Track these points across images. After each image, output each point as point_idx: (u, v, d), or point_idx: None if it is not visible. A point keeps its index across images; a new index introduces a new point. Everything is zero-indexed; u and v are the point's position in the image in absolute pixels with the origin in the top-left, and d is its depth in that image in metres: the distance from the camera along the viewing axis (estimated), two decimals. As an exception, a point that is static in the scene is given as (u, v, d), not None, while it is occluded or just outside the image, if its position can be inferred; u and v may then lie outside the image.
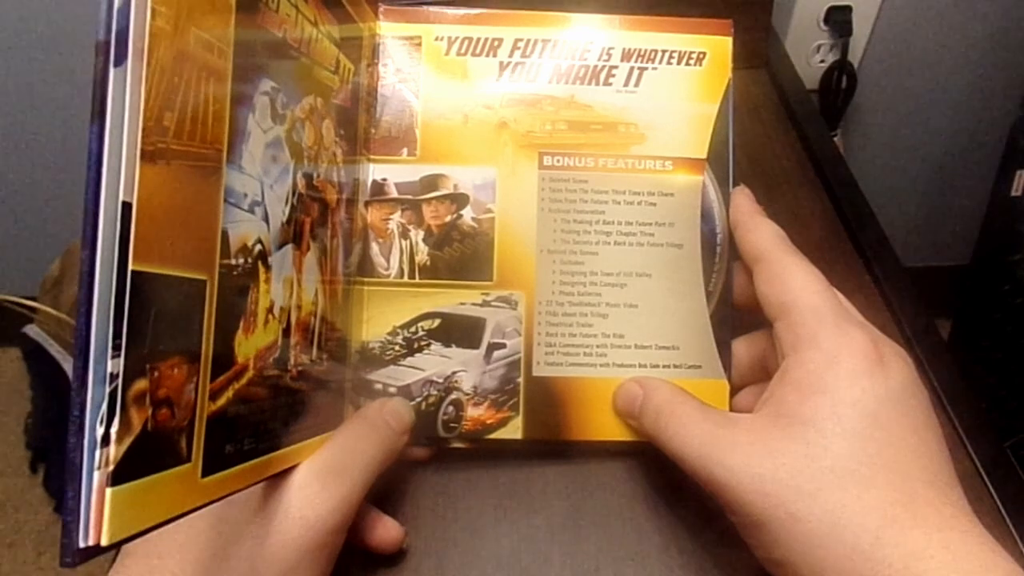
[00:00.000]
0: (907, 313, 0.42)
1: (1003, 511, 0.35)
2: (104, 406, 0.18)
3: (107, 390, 0.18)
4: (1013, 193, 0.82)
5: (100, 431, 0.18)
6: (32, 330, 0.95)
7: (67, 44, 0.83)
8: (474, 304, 0.36)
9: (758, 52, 0.59)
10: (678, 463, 0.30)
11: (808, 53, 0.76)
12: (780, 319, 0.31)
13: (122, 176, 0.18)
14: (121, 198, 0.18)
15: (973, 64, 0.87)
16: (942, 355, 0.41)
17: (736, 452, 0.28)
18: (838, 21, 0.74)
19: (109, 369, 0.18)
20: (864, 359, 0.28)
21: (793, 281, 0.31)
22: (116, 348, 0.18)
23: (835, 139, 0.83)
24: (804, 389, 0.28)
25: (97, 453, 0.18)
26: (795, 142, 0.54)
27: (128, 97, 0.18)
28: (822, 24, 0.75)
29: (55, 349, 0.93)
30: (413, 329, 0.36)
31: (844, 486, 0.26)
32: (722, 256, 0.37)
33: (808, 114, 0.56)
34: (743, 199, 0.36)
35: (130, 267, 0.18)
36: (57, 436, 1.02)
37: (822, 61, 0.77)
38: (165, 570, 0.27)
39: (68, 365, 0.92)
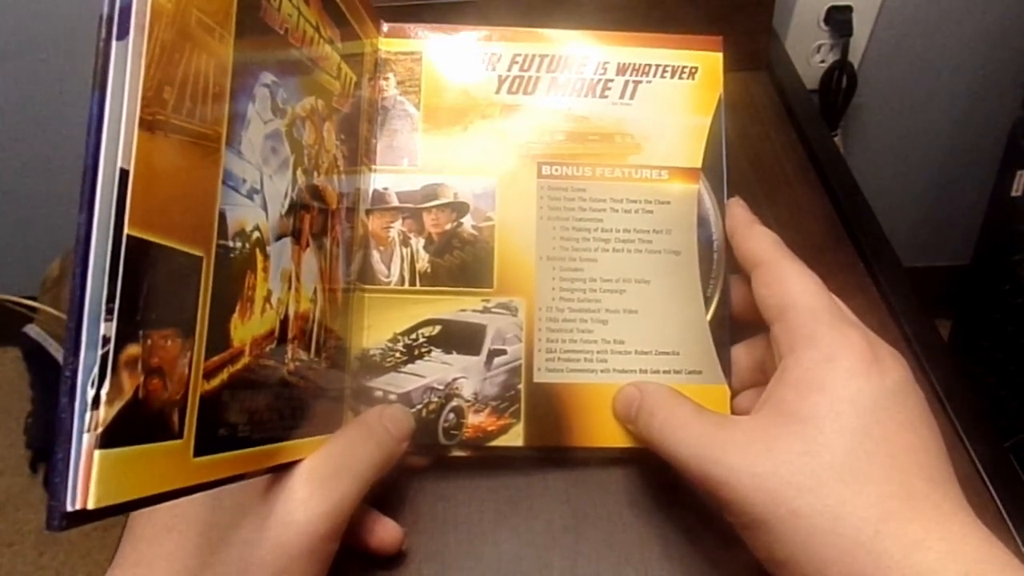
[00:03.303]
0: (907, 313, 0.42)
1: (1003, 511, 0.35)
2: (96, 368, 0.18)
3: (99, 353, 0.18)
4: (1013, 193, 0.82)
5: (91, 392, 0.18)
6: (32, 330, 0.95)
7: (68, 45, 0.83)
8: (474, 311, 0.36)
9: (759, 54, 0.59)
10: (674, 465, 0.31)
11: (808, 53, 0.76)
12: (778, 321, 0.31)
13: (120, 144, 0.19)
14: (119, 164, 0.19)
15: (973, 64, 0.86)
16: (942, 355, 0.41)
17: (735, 451, 0.28)
18: (838, 21, 0.74)
19: (102, 332, 0.18)
20: (860, 359, 0.28)
21: (790, 284, 0.31)
22: (109, 311, 0.18)
23: (835, 139, 0.83)
24: (802, 388, 0.28)
25: (87, 415, 0.18)
26: (795, 142, 0.54)
27: (129, 69, 0.19)
28: (822, 24, 0.75)
29: (55, 349, 0.93)
30: (414, 336, 0.36)
31: (844, 481, 0.26)
32: (719, 262, 0.37)
33: (808, 114, 0.56)
34: (739, 209, 0.36)
35: (126, 231, 0.19)
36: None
37: (822, 61, 0.77)
38: None
39: (68, 365, 0.91)
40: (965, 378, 0.40)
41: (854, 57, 0.78)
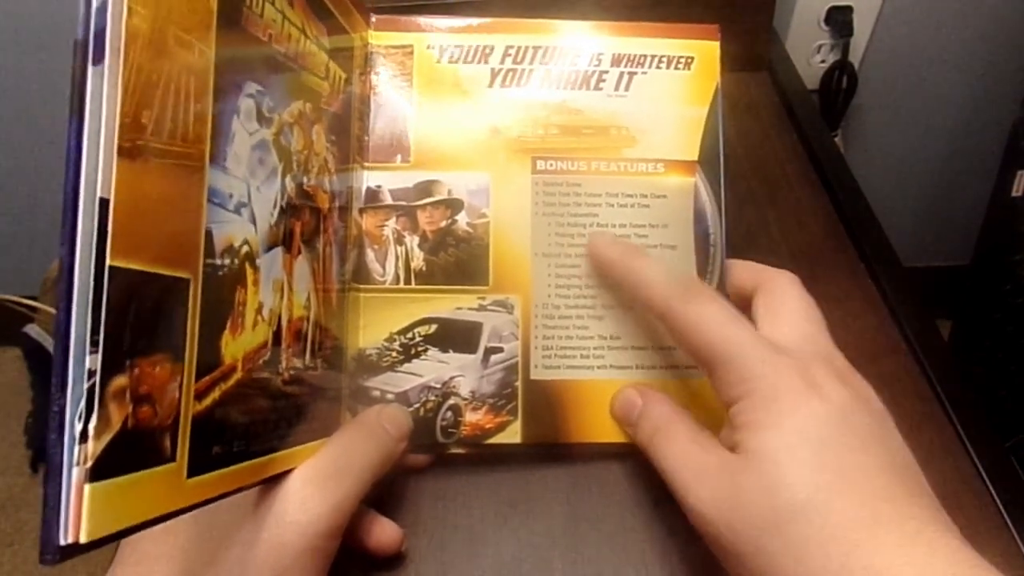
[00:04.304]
0: (907, 313, 0.42)
1: (1003, 511, 0.35)
2: (83, 402, 0.18)
3: (85, 387, 0.18)
4: (1013, 193, 0.82)
5: (79, 427, 0.18)
6: (33, 330, 0.95)
7: (67, 45, 0.83)
8: (470, 309, 0.36)
9: (760, 54, 0.59)
10: (662, 479, 0.31)
11: (809, 53, 0.76)
12: (711, 374, 0.30)
13: (99, 173, 0.18)
14: (99, 194, 0.18)
15: (973, 64, 0.86)
16: (942, 355, 0.41)
17: (707, 485, 0.28)
18: (839, 21, 0.74)
19: (87, 365, 0.18)
20: (797, 392, 0.28)
21: (706, 335, 0.30)
22: (94, 344, 0.18)
23: (835, 139, 0.83)
24: (753, 428, 0.28)
25: (76, 450, 0.18)
26: (795, 142, 0.54)
27: (105, 95, 0.18)
28: (823, 24, 0.75)
29: (55, 349, 0.93)
30: (410, 335, 0.36)
31: (805, 517, 0.26)
32: (715, 256, 0.37)
33: (808, 114, 0.56)
34: (607, 241, 0.35)
35: (107, 263, 0.18)
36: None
37: (823, 61, 0.77)
38: None
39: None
40: (965, 378, 0.40)
41: (854, 57, 0.78)
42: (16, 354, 1.06)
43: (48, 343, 0.93)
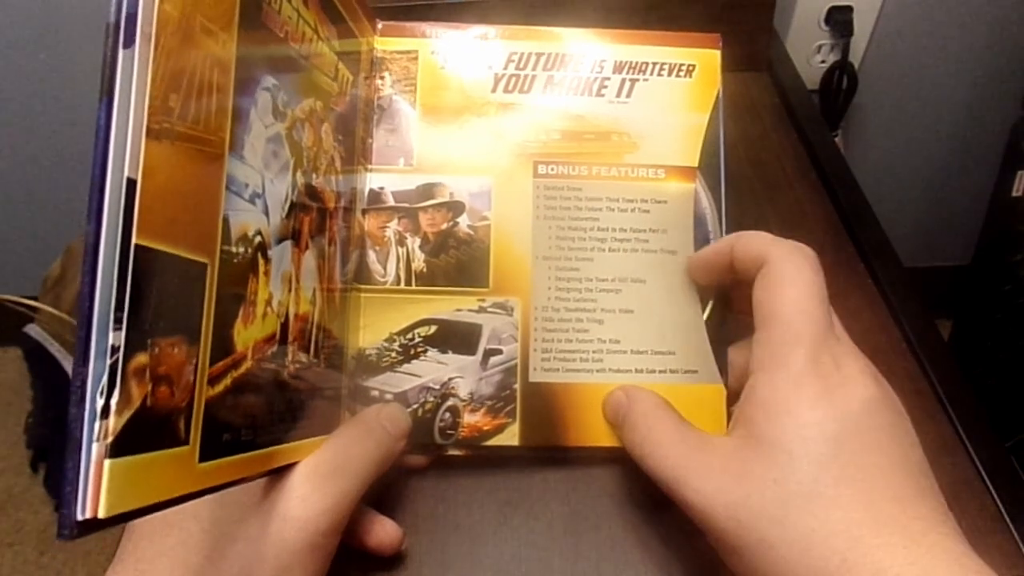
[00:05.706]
0: (907, 313, 0.42)
1: (1003, 511, 0.35)
2: (105, 378, 0.18)
3: (108, 362, 0.18)
4: (1014, 193, 0.82)
5: (100, 402, 0.18)
6: (33, 330, 0.95)
7: (68, 45, 0.83)
8: (470, 310, 0.36)
9: (760, 54, 0.59)
10: (654, 481, 0.30)
11: (809, 53, 0.76)
12: (761, 329, 0.30)
13: (127, 153, 0.19)
14: (126, 174, 0.19)
15: (973, 64, 0.86)
16: (942, 355, 0.41)
17: (709, 477, 0.28)
18: (839, 21, 0.74)
19: (111, 342, 0.18)
20: (825, 383, 0.28)
21: (785, 293, 0.30)
22: (118, 320, 0.18)
23: (835, 139, 0.83)
24: (770, 409, 0.28)
25: (97, 424, 0.18)
26: (796, 142, 0.54)
27: (135, 77, 0.19)
28: (823, 24, 0.75)
29: (56, 349, 0.93)
30: (410, 336, 0.36)
31: (811, 510, 0.26)
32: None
33: (809, 114, 0.56)
34: (713, 246, 0.35)
35: (133, 240, 0.19)
36: (57, 435, 1.02)
37: (823, 61, 0.77)
38: (155, 574, 0.27)
39: (69, 364, 0.92)
40: (965, 378, 0.40)
41: (855, 57, 0.78)
42: (16, 354, 1.06)
43: (49, 343, 0.93)
